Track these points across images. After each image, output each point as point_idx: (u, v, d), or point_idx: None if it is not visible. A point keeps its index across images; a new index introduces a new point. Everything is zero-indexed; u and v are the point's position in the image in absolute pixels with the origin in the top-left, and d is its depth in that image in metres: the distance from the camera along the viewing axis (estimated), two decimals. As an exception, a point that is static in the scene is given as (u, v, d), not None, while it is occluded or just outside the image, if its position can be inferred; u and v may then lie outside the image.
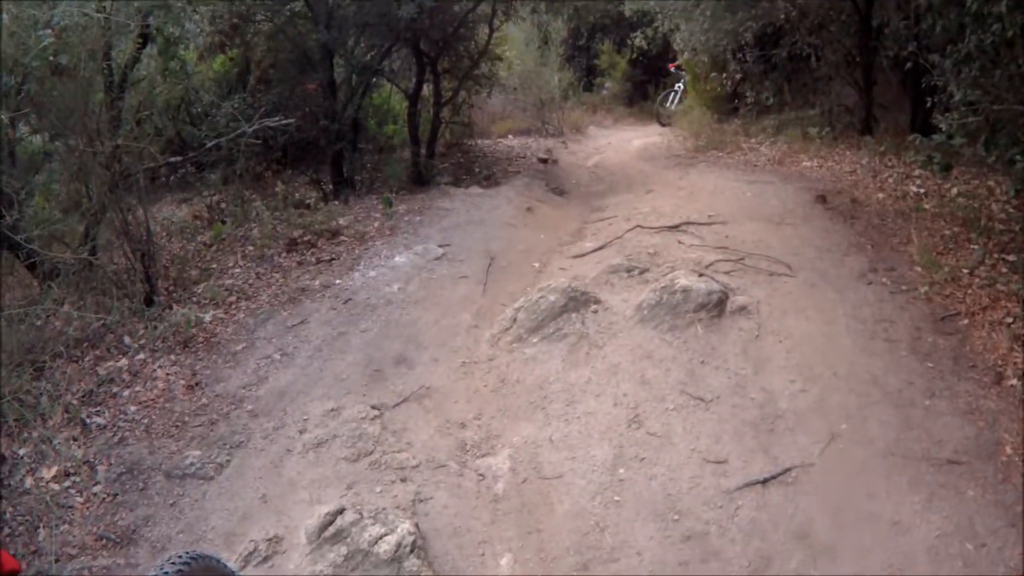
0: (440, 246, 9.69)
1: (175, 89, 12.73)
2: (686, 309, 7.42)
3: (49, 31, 7.33)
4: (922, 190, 10.43)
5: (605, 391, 6.70)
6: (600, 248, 9.53)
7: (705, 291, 7.55)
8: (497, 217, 10.92)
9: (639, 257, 8.87)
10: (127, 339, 7.88)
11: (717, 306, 7.49)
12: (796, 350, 6.99)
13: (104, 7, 8.21)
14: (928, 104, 10.32)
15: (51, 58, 7.51)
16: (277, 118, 10.45)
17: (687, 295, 7.50)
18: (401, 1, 11.39)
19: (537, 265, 9.45)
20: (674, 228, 9.79)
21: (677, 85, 20.13)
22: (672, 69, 20.21)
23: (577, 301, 7.71)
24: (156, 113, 10.61)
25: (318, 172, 12.93)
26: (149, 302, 8.51)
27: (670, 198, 11.25)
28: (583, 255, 9.45)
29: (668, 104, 20.25)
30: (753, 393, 6.51)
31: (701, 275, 7.97)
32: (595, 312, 7.67)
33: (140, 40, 9.56)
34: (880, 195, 10.56)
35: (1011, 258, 8.20)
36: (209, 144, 10.35)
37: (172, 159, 11.28)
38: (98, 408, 6.99)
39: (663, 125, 19.39)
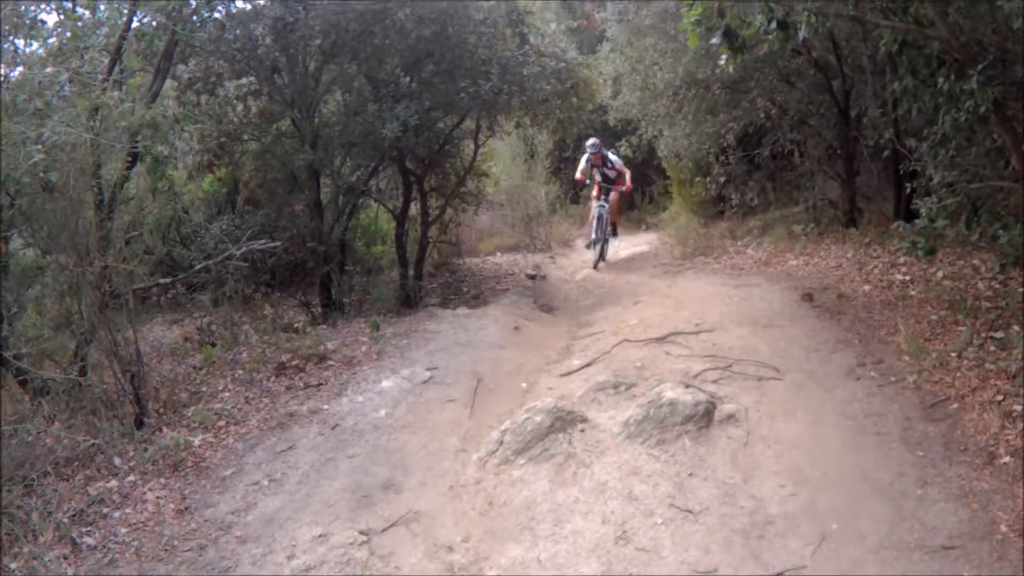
0: (427, 369, 9.59)
1: (164, 209, 12.77)
2: (673, 422, 7.34)
3: (39, 147, 7.34)
4: (908, 277, 10.42)
5: (593, 509, 6.57)
6: (587, 365, 9.46)
7: (692, 403, 7.50)
8: (484, 338, 10.87)
9: (626, 372, 8.82)
10: (117, 460, 7.81)
11: (704, 417, 7.42)
12: (785, 454, 6.91)
13: (93, 126, 8.23)
14: (909, 190, 10.27)
15: (41, 174, 7.51)
16: (264, 240, 10.49)
17: (673, 408, 7.44)
18: (385, 120, 11.53)
19: (524, 385, 9.37)
20: (661, 339, 9.74)
21: (600, 204, 16.93)
22: (590, 150, 16.92)
23: (563, 421, 7.62)
24: (146, 233, 10.82)
25: (307, 294, 12.95)
26: (139, 424, 8.45)
27: (658, 308, 11.24)
28: (570, 373, 9.38)
29: (595, 242, 17.00)
30: (742, 501, 6.39)
31: (688, 386, 7.94)
32: (582, 431, 7.57)
33: (129, 159, 9.56)
34: (866, 287, 10.55)
35: (999, 335, 8.18)
36: (198, 266, 10.36)
37: (162, 280, 11.28)
38: (88, 528, 6.88)
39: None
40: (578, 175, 17.33)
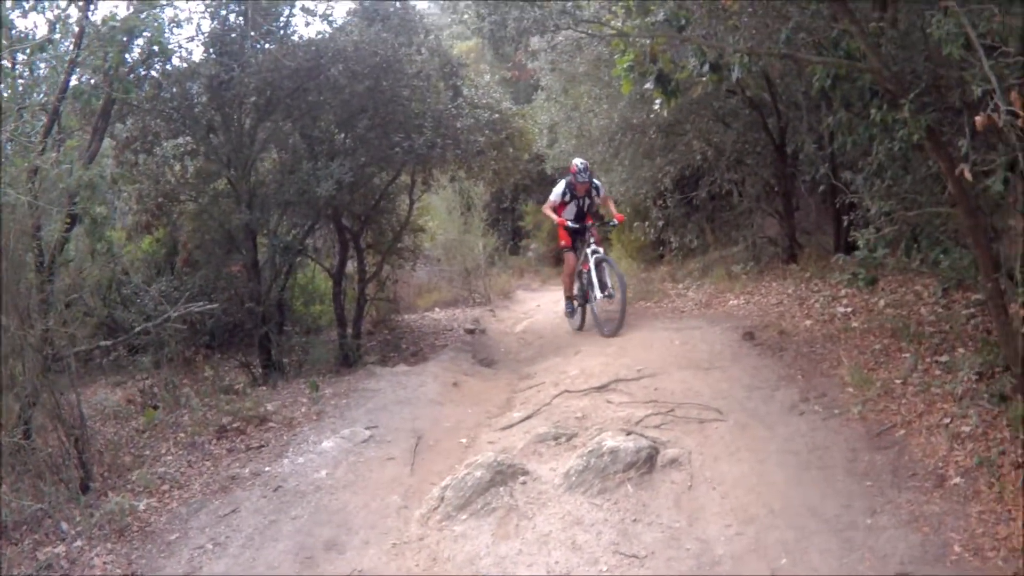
0: (367, 428, 9.45)
1: (104, 270, 12.62)
2: (615, 470, 7.23)
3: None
4: (849, 309, 10.43)
5: (536, 560, 6.41)
6: (528, 417, 9.34)
7: (633, 449, 7.39)
8: (423, 395, 10.77)
9: (567, 423, 8.72)
10: (64, 525, 7.68)
11: (646, 463, 7.32)
12: (730, 494, 6.81)
13: (32, 187, 8.10)
14: (846, 222, 10.29)
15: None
16: (202, 302, 10.38)
17: (615, 456, 7.33)
18: (320, 178, 11.46)
19: (465, 441, 9.25)
20: (602, 388, 9.63)
21: (593, 250, 13.34)
22: (580, 177, 13.51)
23: (504, 474, 7.48)
24: (86, 295, 10.68)
25: (247, 355, 12.82)
26: (84, 488, 8.30)
27: (599, 357, 11.11)
28: (511, 426, 9.24)
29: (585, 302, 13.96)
30: (688, 544, 6.26)
31: (629, 433, 7.82)
32: (523, 483, 7.44)
33: (68, 220, 9.42)
34: (808, 322, 10.55)
35: (944, 359, 8.21)
36: (137, 328, 10.21)
37: (103, 343, 11.16)
38: (39, 595, 6.71)
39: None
40: (554, 214, 13.80)
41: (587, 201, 13.92)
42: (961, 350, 8.20)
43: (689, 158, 15.37)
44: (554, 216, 13.88)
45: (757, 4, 8.00)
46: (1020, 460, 6.23)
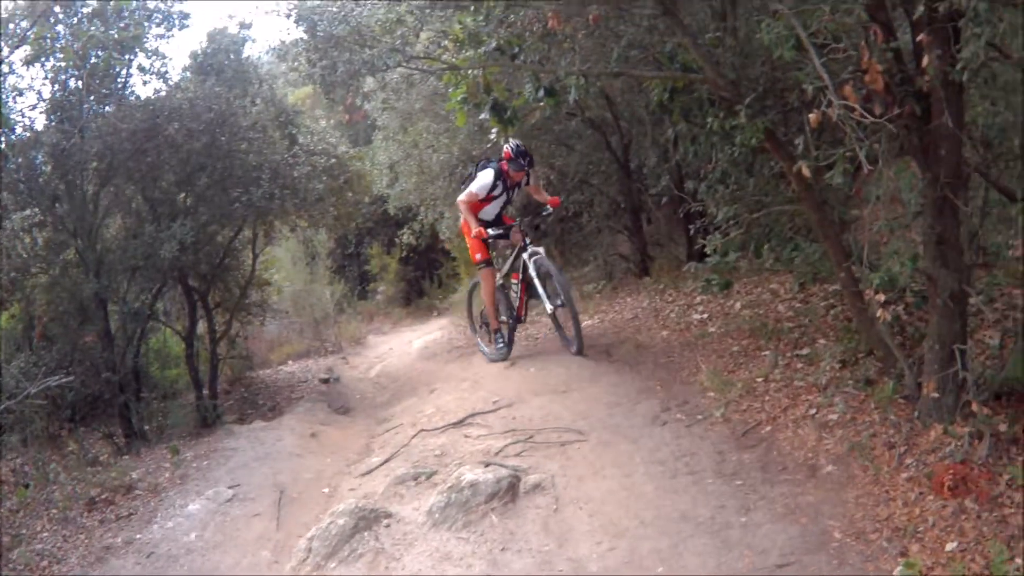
0: (230, 487, 9.33)
1: None
2: (477, 503, 7.16)
3: None
4: (705, 315, 10.53)
5: (406, 599, 6.37)
6: (387, 461, 9.24)
7: (493, 480, 7.35)
8: (282, 449, 10.62)
9: (426, 461, 8.68)
10: None
11: (509, 491, 7.27)
12: (598, 512, 6.78)
13: None
14: (692, 231, 10.37)
15: None
16: (59, 376, 10.00)
17: (475, 489, 7.27)
18: (163, 240, 11.27)
19: (327, 490, 9.19)
20: (459, 423, 9.54)
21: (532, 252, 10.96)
22: (514, 165, 10.85)
23: (367, 519, 7.37)
24: None
25: (109, 425, 12.46)
26: None
27: (454, 393, 10.99)
28: (371, 471, 9.15)
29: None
30: (560, 565, 6.23)
31: (488, 465, 7.80)
32: (387, 526, 7.34)
33: None
34: (664, 333, 10.60)
35: (805, 352, 8.34)
36: (0, 407, 9.93)
37: None
38: None
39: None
40: (472, 216, 11.13)
41: (515, 192, 11.60)
42: (822, 341, 8.35)
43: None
44: (472, 220, 11.06)
45: (590, 24, 8.04)
46: (892, 440, 6.34)
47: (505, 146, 10.97)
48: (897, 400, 6.72)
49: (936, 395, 6.03)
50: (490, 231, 11.10)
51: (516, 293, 11.54)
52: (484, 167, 11.30)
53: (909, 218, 6.59)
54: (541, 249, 10.93)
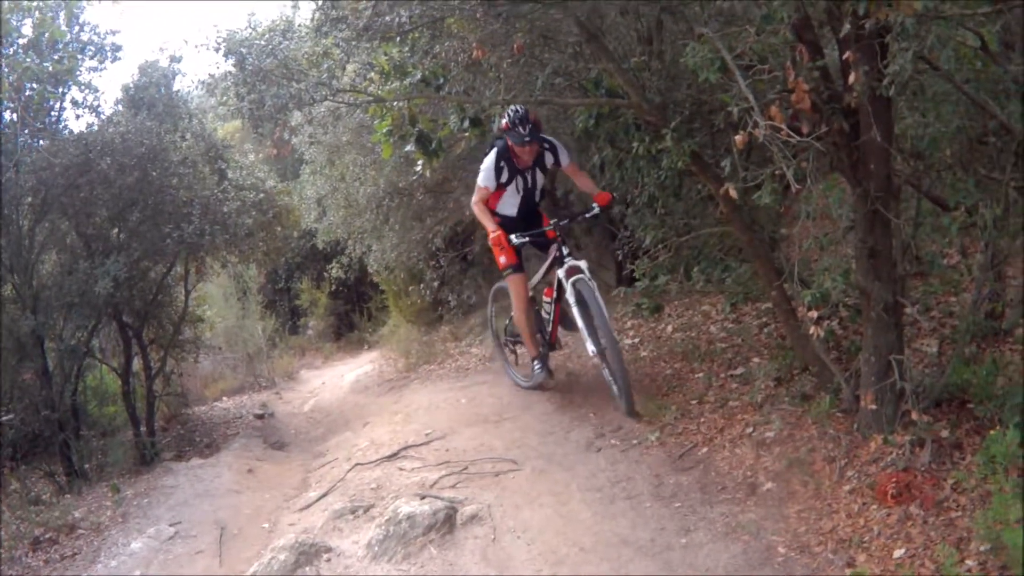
0: (171, 525, 9.25)
1: None
2: (414, 535, 7.19)
3: None
4: (637, 340, 10.56)
5: (351, 632, 6.32)
6: (324, 495, 9.23)
7: (430, 512, 7.37)
8: (221, 485, 10.57)
9: (362, 495, 8.66)
10: None
11: (446, 523, 7.30)
12: (537, 540, 6.80)
13: None
14: (620, 256, 10.41)
15: None
16: (-3, 415, 9.99)
17: (412, 521, 7.30)
18: (97, 276, 11.22)
19: (267, 526, 9.11)
20: (393, 456, 9.54)
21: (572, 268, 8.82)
22: (517, 137, 8.54)
23: (308, 554, 7.37)
24: None
25: (50, 464, 12.34)
26: None
27: (387, 426, 11.01)
28: (309, 506, 9.12)
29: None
30: (500, 594, 6.23)
31: (424, 497, 7.82)
32: (328, 560, 7.33)
33: None
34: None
35: (739, 372, 8.39)
36: None
37: None
38: None
39: None
40: (486, 216, 9.11)
41: (536, 177, 9.29)
42: (756, 359, 8.42)
43: (459, 215, 15.26)
44: (486, 220, 9.01)
45: (514, 53, 8.08)
46: (832, 454, 6.42)
47: (504, 115, 8.58)
48: (835, 414, 6.80)
49: (874, 407, 6.12)
50: (513, 238, 8.83)
51: (548, 315, 9.55)
52: (489, 148, 9.18)
53: (840, 233, 6.68)
54: (583, 265, 8.69)
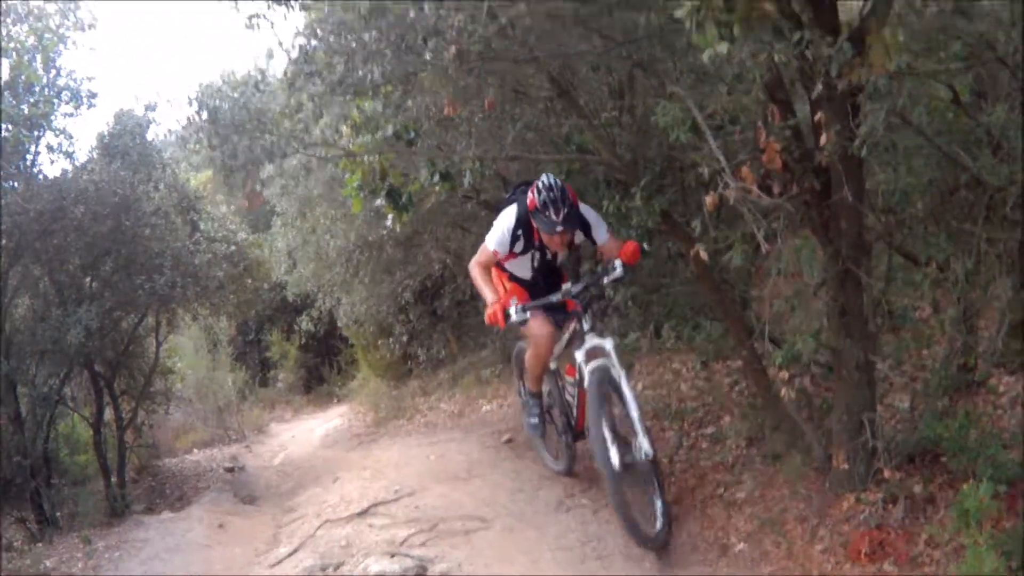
0: (141, 579, 9.19)
1: None
2: None
3: None
4: (608, 397, 10.43)
5: None
6: (295, 551, 9.06)
7: (400, 570, 7.31)
8: (192, 540, 10.46)
9: (332, 552, 8.51)
10: None
11: None
12: (507, 600, 6.69)
13: None
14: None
15: None
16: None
17: None
18: (70, 325, 11.29)
19: (237, 581, 9.07)
20: (363, 513, 9.41)
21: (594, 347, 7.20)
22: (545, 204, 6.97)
23: (280, 612, 7.25)
24: None
25: (22, 510, 12.34)
26: None
27: (356, 482, 10.90)
28: (280, 562, 8.94)
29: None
30: (474, 653, 6.10)
31: (393, 555, 7.72)
32: (300, 619, 7.20)
33: None
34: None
35: (710, 431, 8.34)
36: None
37: None
38: None
39: None
40: (487, 284, 7.49)
41: (557, 253, 7.83)
42: (727, 418, 8.36)
43: (429, 268, 15.37)
44: (486, 290, 7.38)
45: (486, 108, 8.09)
46: (804, 513, 6.40)
47: (533, 188, 7.12)
48: (807, 472, 6.75)
49: (847, 465, 6.09)
50: (512, 312, 7.14)
51: (573, 397, 8.00)
52: (509, 202, 7.73)
53: (812, 291, 6.68)
54: (609, 345, 7.06)
